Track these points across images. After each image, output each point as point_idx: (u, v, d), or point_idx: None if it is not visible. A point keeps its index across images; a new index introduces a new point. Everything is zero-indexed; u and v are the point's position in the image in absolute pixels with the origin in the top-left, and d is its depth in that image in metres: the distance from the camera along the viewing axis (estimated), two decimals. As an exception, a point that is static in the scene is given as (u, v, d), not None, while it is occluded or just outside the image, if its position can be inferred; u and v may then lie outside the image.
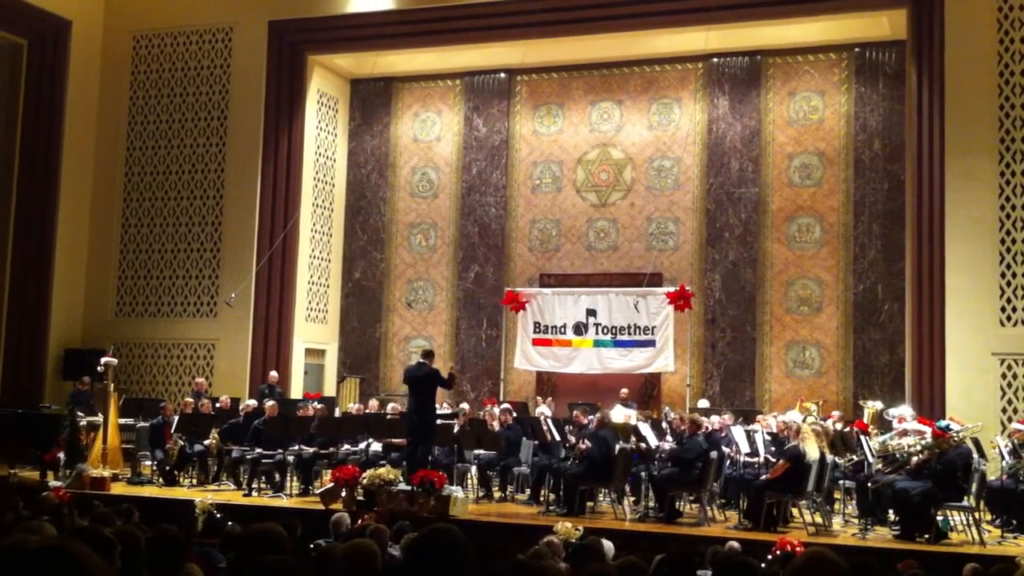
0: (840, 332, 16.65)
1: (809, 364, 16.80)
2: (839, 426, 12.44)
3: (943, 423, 10.87)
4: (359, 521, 8.82)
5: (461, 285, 18.67)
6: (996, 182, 14.05)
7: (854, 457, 11.62)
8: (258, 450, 12.82)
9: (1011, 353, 13.77)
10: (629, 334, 15.05)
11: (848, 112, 16.98)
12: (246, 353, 17.17)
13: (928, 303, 14.30)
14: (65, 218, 17.90)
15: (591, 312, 15.27)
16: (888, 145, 16.62)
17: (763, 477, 10.98)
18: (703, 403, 15.61)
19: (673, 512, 11.11)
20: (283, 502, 12.11)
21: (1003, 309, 13.87)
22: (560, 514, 11.02)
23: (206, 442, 13.47)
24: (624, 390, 15.68)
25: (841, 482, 11.51)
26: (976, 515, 10.35)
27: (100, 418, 14.30)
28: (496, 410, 13.69)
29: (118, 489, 12.58)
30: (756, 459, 11.78)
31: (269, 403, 13.62)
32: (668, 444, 11.96)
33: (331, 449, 12.98)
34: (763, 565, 6.11)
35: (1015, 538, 10.38)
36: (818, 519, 10.82)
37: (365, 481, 11.14)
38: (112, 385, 14.36)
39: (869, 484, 10.79)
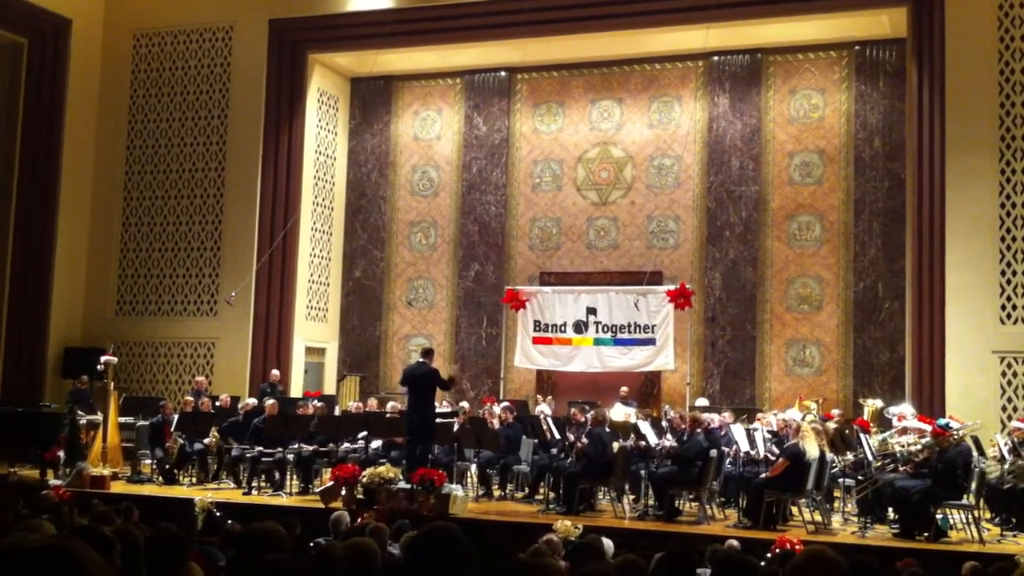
0: (840, 330, 16.65)
1: (809, 362, 16.81)
2: (834, 425, 12.41)
3: (943, 421, 10.86)
4: (359, 520, 8.82)
5: (461, 283, 18.67)
6: (996, 180, 14.05)
7: (851, 456, 11.61)
8: (258, 448, 12.82)
9: (1011, 351, 13.77)
10: (629, 332, 15.04)
11: (848, 110, 16.98)
12: (246, 352, 17.18)
13: (928, 301, 14.30)
14: (65, 217, 17.90)
15: (591, 310, 15.26)
16: (888, 143, 16.62)
17: (763, 475, 10.97)
18: (702, 401, 15.61)
19: (673, 510, 11.10)
20: (283, 501, 12.10)
21: (1003, 307, 13.88)
22: (560, 512, 11.02)
23: (206, 441, 13.47)
24: (624, 388, 15.69)
25: (841, 480, 11.51)
26: (975, 513, 10.35)
27: (100, 417, 14.31)
28: (496, 409, 13.69)
29: (118, 488, 12.57)
30: (754, 452, 11.76)
31: (269, 402, 13.63)
32: (668, 442, 11.96)
33: (330, 446, 12.99)
34: (762, 563, 6.11)
35: (1014, 536, 10.38)
36: (817, 517, 10.81)
37: (365, 479, 11.14)
38: (112, 384, 14.36)
39: (865, 481, 10.80)
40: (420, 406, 11.93)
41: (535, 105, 18.74)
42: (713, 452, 11.23)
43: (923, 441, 10.68)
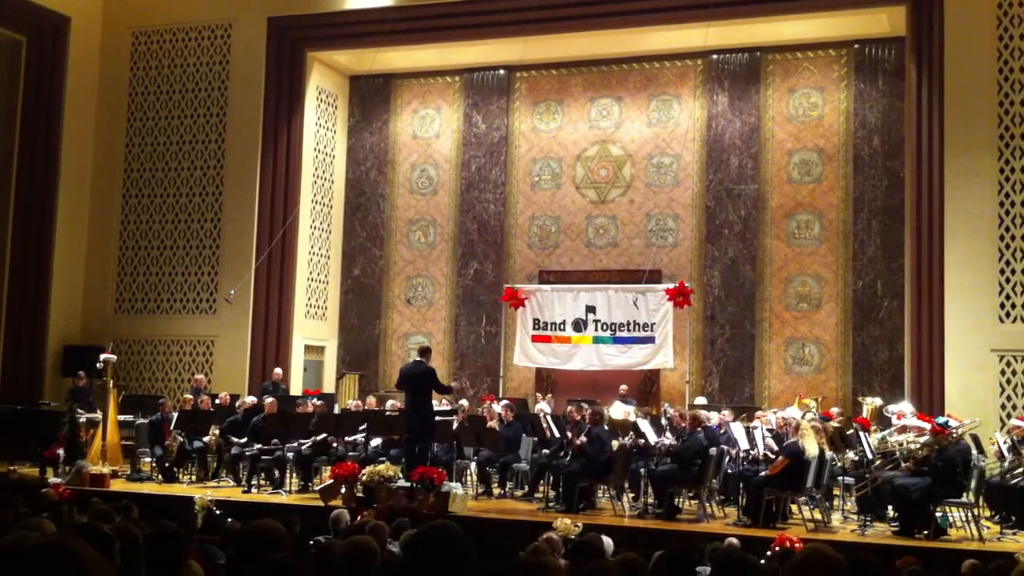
0: (839, 329, 16.65)
1: (808, 361, 16.81)
2: (836, 425, 12.42)
3: (942, 419, 10.87)
4: (358, 518, 8.81)
5: (460, 282, 18.67)
6: (995, 178, 14.05)
7: (852, 455, 11.61)
8: (257, 446, 12.82)
9: (1010, 349, 13.78)
10: (628, 331, 15.05)
11: (848, 109, 16.98)
12: (245, 349, 17.18)
13: (927, 300, 14.30)
14: (64, 214, 17.89)
15: (590, 309, 15.27)
16: (887, 142, 16.62)
17: (762, 473, 10.97)
18: (701, 400, 15.61)
19: (672, 508, 11.10)
20: (282, 499, 12.10)
21: (1002, 305, 13.88)
22: (559, 511, 11.02)
23: (205, 439, 13.47)
24: (623, 387, 15.67)
25: (840, 478, 11.51)
26: (975, 511, 10.36)
27: (99, 415, 14.30)
28: (496, 407, 13.68)
29: (117, 486, 12.56)
30: (754, 450, 11.76)
31: (268, 400, 13.63)
32: (668, 440, 11.96)
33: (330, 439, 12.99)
34: (762, 562, 6.11)
35: (1014, 534, 10.38)
36: (817, 515, 10.82)
37: (364, 478, 11.14)
38: (111, 382, 14.35)
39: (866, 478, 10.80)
40: (418, 405, 11.93)
41: (534, 103, 18.73)
42: (713, 450, 11.23)
43: (922, 439, 10.69)
